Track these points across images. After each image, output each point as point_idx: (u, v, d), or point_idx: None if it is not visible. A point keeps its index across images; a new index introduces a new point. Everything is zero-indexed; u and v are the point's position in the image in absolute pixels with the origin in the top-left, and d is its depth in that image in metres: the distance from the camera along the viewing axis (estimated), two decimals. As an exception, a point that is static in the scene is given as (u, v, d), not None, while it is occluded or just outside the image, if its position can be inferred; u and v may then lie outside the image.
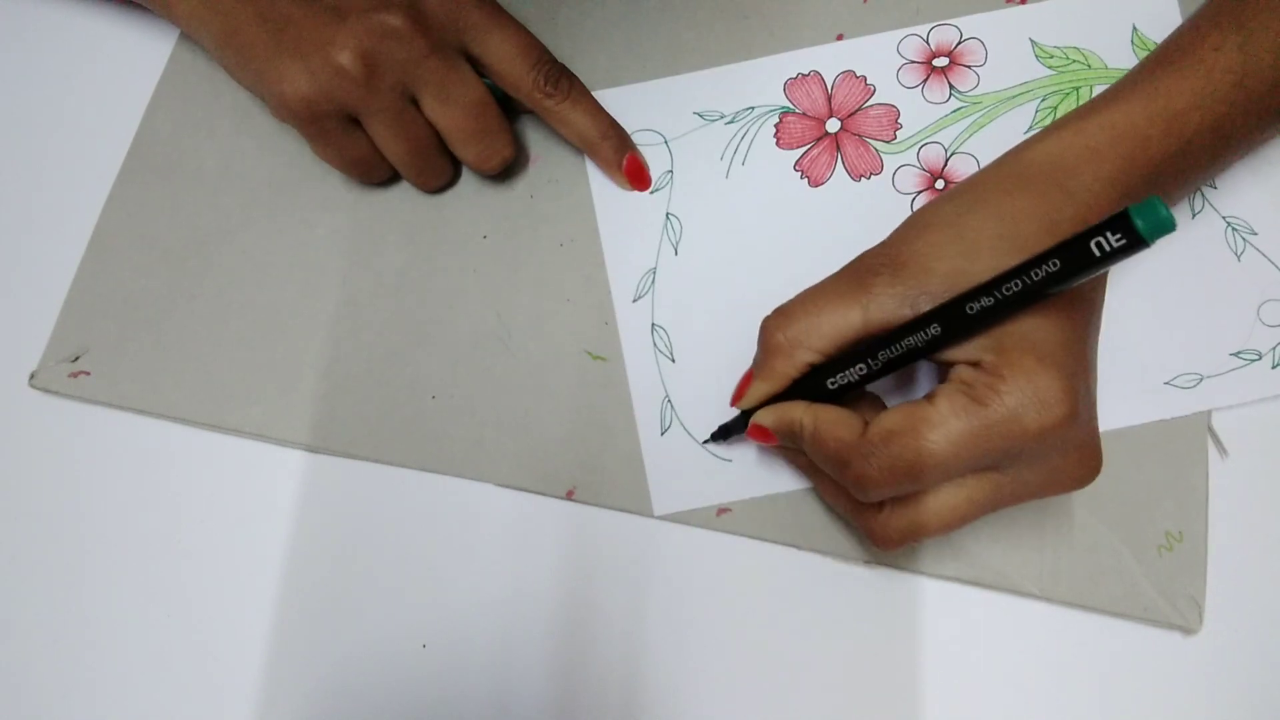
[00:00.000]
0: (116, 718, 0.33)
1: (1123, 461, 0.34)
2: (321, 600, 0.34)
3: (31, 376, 0.35)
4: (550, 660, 0.33)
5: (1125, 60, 0.37)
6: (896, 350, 0.27)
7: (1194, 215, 0.35)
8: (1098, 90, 0.34)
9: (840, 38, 0.38)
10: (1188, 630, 0.32)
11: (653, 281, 0.36)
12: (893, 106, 0.37)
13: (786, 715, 0.32)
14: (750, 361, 0.31)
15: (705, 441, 0.34)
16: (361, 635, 0.33)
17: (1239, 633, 0.32)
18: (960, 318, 0.25)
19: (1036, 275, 0.24)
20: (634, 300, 0.36)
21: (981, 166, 0.30)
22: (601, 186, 0.37)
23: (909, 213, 0.32)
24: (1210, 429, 0.34)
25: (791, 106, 0.37)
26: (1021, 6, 0.38)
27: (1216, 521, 0.33)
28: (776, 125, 0.37)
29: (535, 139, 0.38)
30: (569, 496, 0.34)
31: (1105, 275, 0.29)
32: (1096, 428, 0.28)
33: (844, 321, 0.28)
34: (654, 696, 0.32)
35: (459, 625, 0.33)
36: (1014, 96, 0.37)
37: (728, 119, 0.37)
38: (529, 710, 0.32)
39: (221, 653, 0.33)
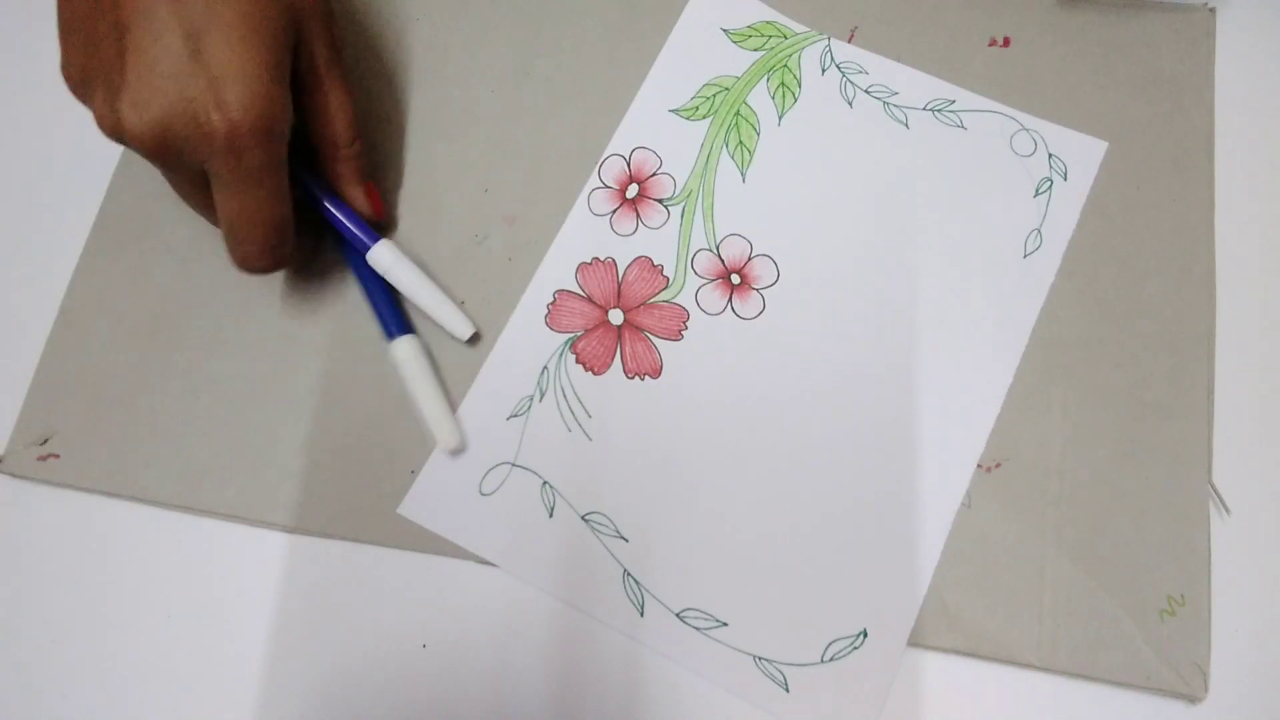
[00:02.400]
0: (117, 711, 0.32)
1: (1121, 523, 0.33)
2: (322, 599, 0.33)
3: (-1, 461, 0.35)
4: (550, 660, 0.32)
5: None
6: None
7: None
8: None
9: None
10: (1192, 699, 0.31)
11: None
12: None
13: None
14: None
15: None
16: (361, 635, 0.33)
17: (1246, 700, 0.31)
18: None
19: None
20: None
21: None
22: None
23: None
24: (1211, 485, 0.33)
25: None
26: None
27: (1220, 583, 0.32)
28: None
29: (517, 201, 0.37)
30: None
31: None
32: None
33: None
34: (654, 696, 0.32)
35: (459, 625, 0.33)
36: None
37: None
38: (529, 710, 0.32)
39: (221, 651, 0.33)
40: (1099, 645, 0.32)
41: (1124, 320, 0.35)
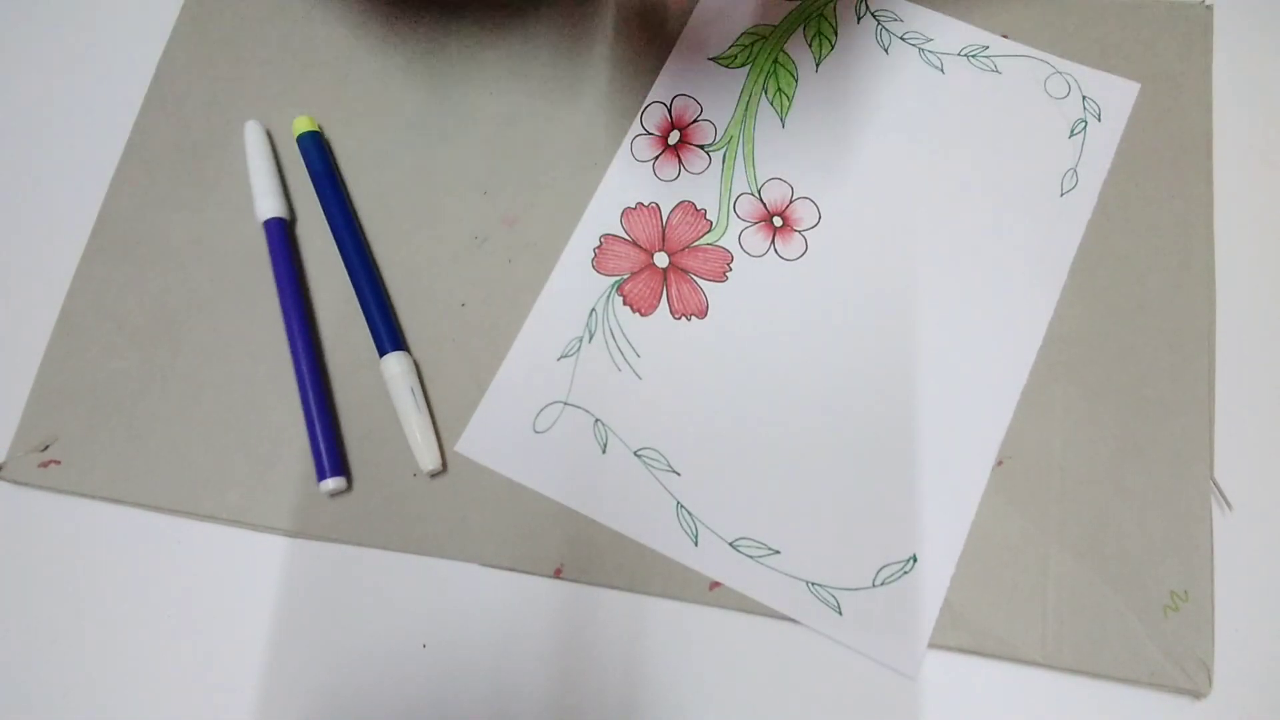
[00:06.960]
0: (120, 715, 0.32)
1: (1124, 519, 0.33)
2: (322, 601, 0.33)
3: None
4: (550, 661, 0.32)
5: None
6: None
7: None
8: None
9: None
10: (1197, 694, 0.31)
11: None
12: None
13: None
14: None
15: None
16: (362, 636, 0.33)
17: (1250, 695, 0.31)
18: None
19: None
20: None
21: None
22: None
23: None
24: (1213, 481, 0.33)
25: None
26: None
27: (1223, 578, 0.32)
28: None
29: (517, 200, 0.37)
30: (557, 575, 0.33)
31: None
32: None
33: None
34: (655, 697, 0.32)
35: (459, 625, 0.33)
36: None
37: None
38: (529, 710, 0.32)
39: (223, 654, 0.33)
40: (1103, 642, 0.32)
41: (1124, 317, 0.35)
